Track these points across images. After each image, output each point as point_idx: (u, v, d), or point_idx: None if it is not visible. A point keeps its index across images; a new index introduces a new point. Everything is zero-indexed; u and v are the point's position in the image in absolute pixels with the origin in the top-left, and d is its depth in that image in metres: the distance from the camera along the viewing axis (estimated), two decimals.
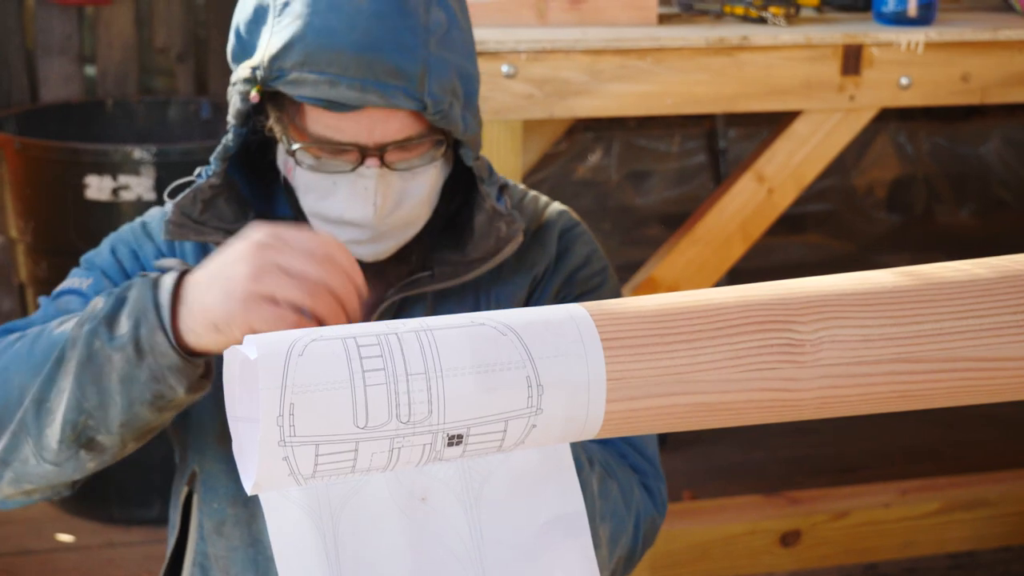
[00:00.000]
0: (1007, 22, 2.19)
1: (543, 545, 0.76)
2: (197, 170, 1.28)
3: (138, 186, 2.67)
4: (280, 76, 1.16)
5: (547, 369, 0.70)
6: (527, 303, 1.35)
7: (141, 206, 2.65)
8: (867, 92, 2.11)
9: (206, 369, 1.11)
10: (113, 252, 1.31)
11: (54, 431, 1.12)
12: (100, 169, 2.66)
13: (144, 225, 1.34)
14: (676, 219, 3.85)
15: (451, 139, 1.24)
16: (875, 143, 4.27)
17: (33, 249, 2.82)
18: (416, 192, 1.23)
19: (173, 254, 1.32)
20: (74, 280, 1.29)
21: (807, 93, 2.09)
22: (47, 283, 2.79)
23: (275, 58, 1.16)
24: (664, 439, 2.99)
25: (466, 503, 0.75)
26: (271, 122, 1.23)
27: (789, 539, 2.46)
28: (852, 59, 2.09)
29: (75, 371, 1.10)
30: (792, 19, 2.13)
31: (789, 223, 4.00)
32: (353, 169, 1.20)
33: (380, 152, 1.19)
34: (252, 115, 1.24)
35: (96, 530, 2.78)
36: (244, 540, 1.30)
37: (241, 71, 1.20)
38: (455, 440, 0.69)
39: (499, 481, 0.75)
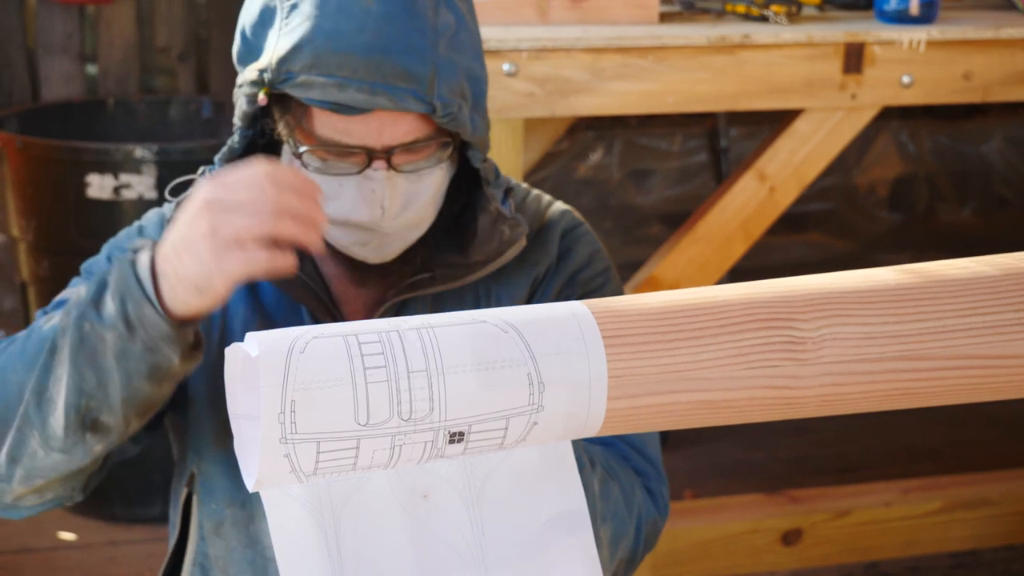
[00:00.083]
0: (1009, 20, 2.19)
1: (545, 542, 0.76)
2: (201, 169, 1.27)
3: (139, 185, 2.67)
4: (288, 79, 1.15)
5: (548, 366, 0.70)
6: (528, 303, 1.34)
7: (142, 205, 2.65)
8: (869, 90, 2.11)
9: (196, 339, 1.14)
10: (110, 259, 1.32)
11: (58, 419, 1.13)
12: (101, 168, 2.66)
13: (141, 229, 1.34)
14: (677, 218, 3.85)
15: (458, 141, 1.24)
16: (877, 142, 4.27)
17: (35, 248, 2.82)
18: (423, 194, 1.23)
19: None
20: (72, 290, 1.29)
21: (809, 91, 2.09)
22: (49, 282, 2.79)
23: (283, 61, 1.15)
24: (665, 438, 2.98)
25: (468, 500, 0.75)
26: (277, 124, 1.23)
27: (790, 538, 2.46)
28: (854, 57, 2.08)
29: (70, 356, 1.12)
30: (794, 17, 2.13)
31: (790, 222, 4.00)
32: (360, 171, 1.19)
33: (387, 154, 1.19)
34: (259, 117, 1.24)
35: (98, 528, 2.78)
36: (242, 541, 1.30)
37: (248, 73, 1.19)
38: (456, 437, 0.69)
39: (501, 479, 0.75)
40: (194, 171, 1.28)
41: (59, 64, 3.46)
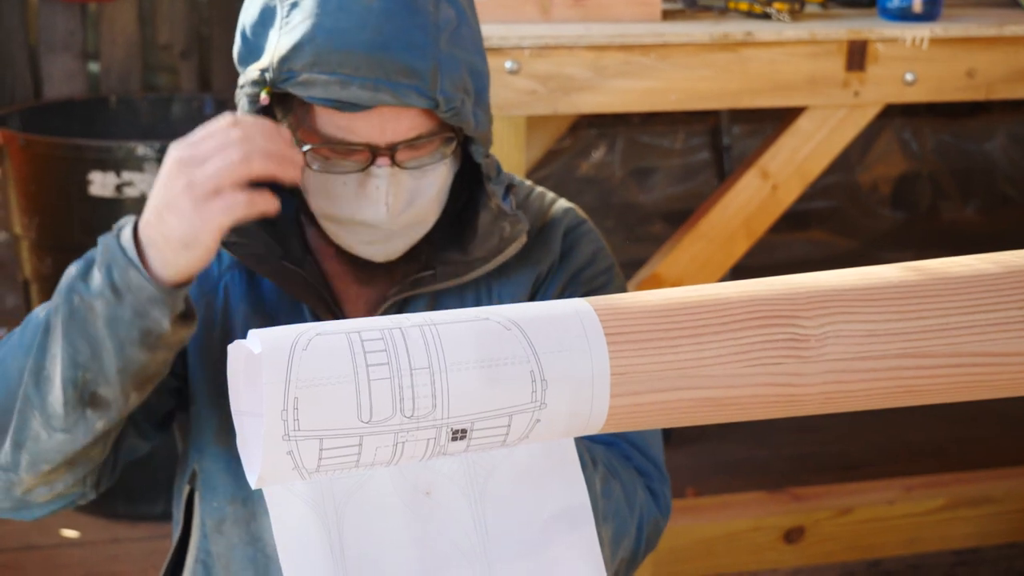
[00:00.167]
0: (1012, 18, 2.18)
1: (548, 539, 0.76)
2: None
3: (142, 182, 2.67)
4: (290, 77, 1.15)
5: (551, 364, 0.70)
6: (530, 301, 1.34)
7: (144, 203, 2.65)
8: (872, 88, 2.11)
9: (188, 308, 1.15)
10: None
11: (56, 396, 1.13)
12: (104, 165, 2.66)
13: None
14: (680, 216, 3.85)
15: (461, 136, 1.24)
16: (880, 139, 4.26)
17: (37, 246, 2.82)
18: (427, 190, 1.23)
19: None
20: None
21: (811, 89, 2.09)
22: (51, 280, 2.79)
23: (285, 59, 1.15)
24: (668, 435, 2.98)
25: (471, 497, 0.75)
26: (280, 124, 1.23)
27: (793, 536, 2.46)
28: (857, 55, 2.08)
29: (63, 331, 1.13)
30: (796, 15, 2.13)
31: (793, 220, 4.00)
32: (364, 169, 1.19)
33: (391, 151, 1.19)
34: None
35: (101, 526, 2.78)
36: (243, 539, 1.30)
37: (249, 73, 1.19)
38: (459, 435, 0.69)
39: (503, 475, 0.75)
40: None
41: (61, 62, 3.46)
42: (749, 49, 2.05)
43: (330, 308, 1.29)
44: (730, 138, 4.03)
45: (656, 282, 2.16)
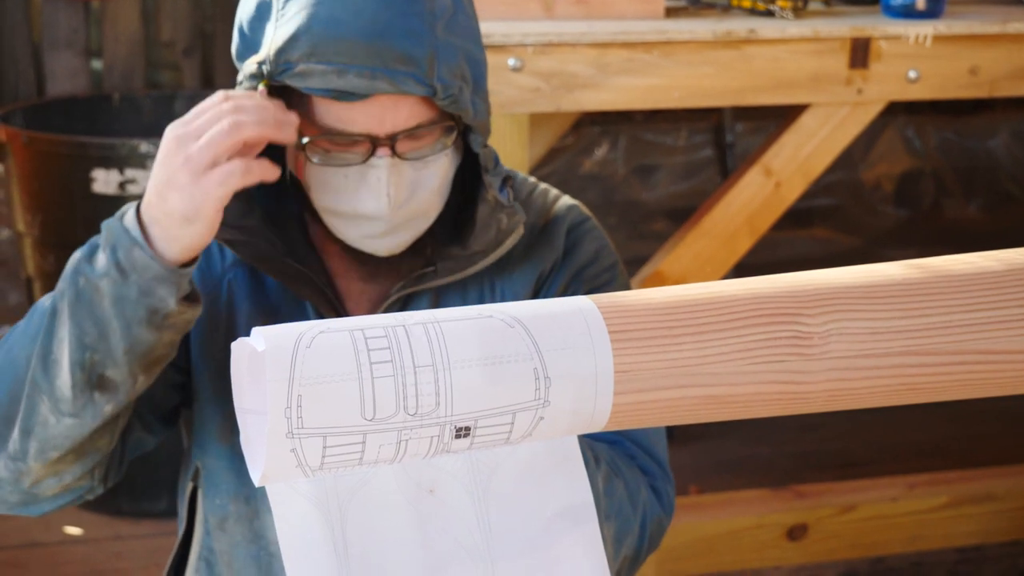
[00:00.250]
0: (1016, 15, 2.18)
1: (551, 536, 0.76)
2: None
3: (145, 180, 2.67)
4: (287, 69, 1.15)
5: (554, 362, 0.70)
6: (534, 299, 1.34)
7: None
8: (875, 85, 2.10)
9: (193, 290, 1.16)
10: None
11: (64, 379, 1.14)
12: (107, 163, 2.66)
13: None
14: (683, 213, 3.85)
15: (461, 126, 1.23)
16: (883, 137, 4.26)
17: (40, 243, 2.82)
18: (428, 182, 1.22)
19: None
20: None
21: (815, 86, 2.09)
22: (54, 277, 2.78)
23: (281, 51, 1.15)
24: (671, 433, 2.98)
25: (474, 495, 0.75)
26: None
27: (796, 533, 2.46)
28: (860, 52, 2.08)
29: (69, 313, 1.14)
30: (800, 12, 2.13)
31: (796, 217, 4.00)
32: (364, 161, 1.19)
33: (391, 141, 1.19)
34: None
35: (104, 523, 2.78)
36: (246, 536, 1.30)
37: (247, 67, 1.19)
38: (462, 432, 0.69)
39: (507, 473, 0.75)
40: None
41: (64, 59, 3.46)
42: (752, 46, 2.05)
43: (333, 306, 1.29)
44: (733, 135, 4.02)
45: (659, 279, 2.16)
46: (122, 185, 2.67)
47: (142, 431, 1.29)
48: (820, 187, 4.14)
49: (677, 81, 2.04)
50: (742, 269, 3.02)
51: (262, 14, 1.19)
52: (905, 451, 3.16)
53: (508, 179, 1.27)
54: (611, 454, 1.28)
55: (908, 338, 0.74)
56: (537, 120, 2.44)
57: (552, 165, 3.98)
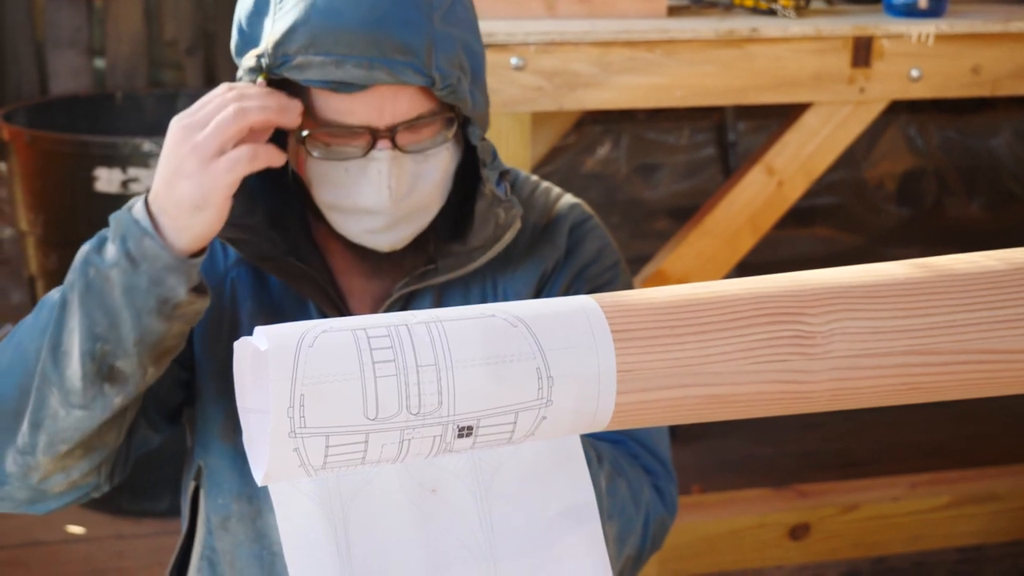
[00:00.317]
0: (1018, 14, 2.18)
1: (553, 536, 0.76)
2: None
3: (147, 179, 2.67)
4: (286, 62, 1.16)
5: (557, 361, 0.70)
6: (536, 297, 1.34)
7: None
8: (877, 84, 2.10)
9: (202, 281, 1.17)
10: None
11: (74, 370, 1.14)
12: (110, 162, 2.67)
13: None
14: (685, 212, 3.85)
15: (461, 118, 1.23)
16: (885, 136, 4.26)
17: (43, 242, 2.82)
18: (429, 175, 1.22)
19: None
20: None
21: (817, 85, 2.09)
22: (57, 275, 2.80)
23: (279, 44, 1.16)
24: (673, 433, 2.98)
25: (476, 494, 0.75)
26: None
27: (798, 532, 2.46)
28: (862, 51, 2.08)
29: (79, 304, 1.14)
30: (802, 11, 2.12)
31: (798, 216, 4.00)
32: (364, 154, 1.19)
33: (391, 134, 1.19)
34: None
35: (106, 522, 2.79)
36: (248, 536, 1.30)
37: (246, 62, 1.19)
38: (465, 432, 0.69)
39: (509, 472, 0.75)
40: None
41: (67, 58, 3.46)
42: (754, 45, 2.05)
43: (335, 304, 1.29)
44: (735, 134, 4.02)
45: (661, 278, 2.15)
46: (125, 184, 2.67)
47: (147, 429, 1.29)
48: (822, 186, 4.14)
49: (679, 80, 2.04)
50: (744, 268, 3.02)
51: (260, 9, 1.19)
52: (907, 451, 3.16)
53: (505, 173, 1.27)
54: (614, 453, 1.28)
55: (911, 337, 0.74)
56: (539, 119, 2.44)
57: (554, 164, 3.98)
